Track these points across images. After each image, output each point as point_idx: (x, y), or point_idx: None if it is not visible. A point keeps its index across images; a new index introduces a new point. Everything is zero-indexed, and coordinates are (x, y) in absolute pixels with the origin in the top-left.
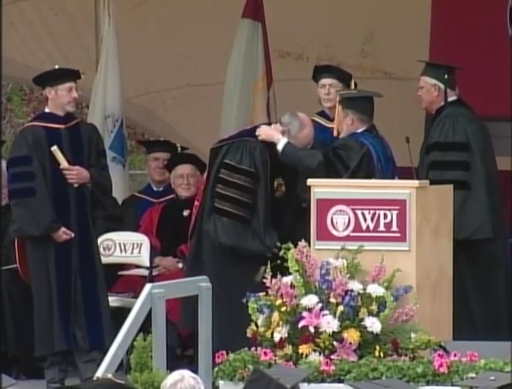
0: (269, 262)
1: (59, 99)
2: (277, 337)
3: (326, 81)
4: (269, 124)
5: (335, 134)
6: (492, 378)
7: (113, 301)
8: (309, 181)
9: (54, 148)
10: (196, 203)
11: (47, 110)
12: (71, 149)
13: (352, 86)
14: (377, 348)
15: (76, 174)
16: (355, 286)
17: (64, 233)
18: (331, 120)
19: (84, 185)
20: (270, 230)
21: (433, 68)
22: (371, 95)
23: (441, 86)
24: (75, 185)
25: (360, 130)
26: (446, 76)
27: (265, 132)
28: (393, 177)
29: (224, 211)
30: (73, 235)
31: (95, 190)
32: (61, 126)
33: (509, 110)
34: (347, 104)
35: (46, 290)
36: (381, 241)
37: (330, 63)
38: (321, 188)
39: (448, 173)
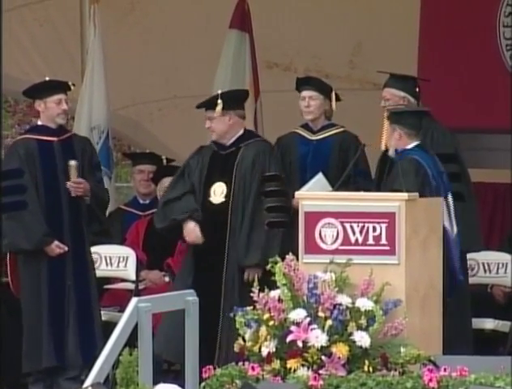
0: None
1: (48, 111)
2: (265, 352)
3: (306, 93)
4: None
5: (383, 148)
6: None
7: None
8: (297, 194)
9: (73, 163)
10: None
11: (39, 123)
12: (64, 162)
13: (333, 98)
14: (366, 362)
15: (83, 187)
16: (343, 300)
17: (57, 247)
18: (315, 132)
19: (81, 198)
20: None
21: (400, 80)
22: (418, 110)
23: (411, 99)
24: (73, 194)
25: (410, 146)
26: (418, 89)
27: None
28: (446, 193)
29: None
30: (66, 249)
31: (93, 204)
32: (54, 139)
33: (509, 123)
34: (393, 119)
35: (36, 305)
36: (370, 254)
37: (318, 74)
38: (309, 200)
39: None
